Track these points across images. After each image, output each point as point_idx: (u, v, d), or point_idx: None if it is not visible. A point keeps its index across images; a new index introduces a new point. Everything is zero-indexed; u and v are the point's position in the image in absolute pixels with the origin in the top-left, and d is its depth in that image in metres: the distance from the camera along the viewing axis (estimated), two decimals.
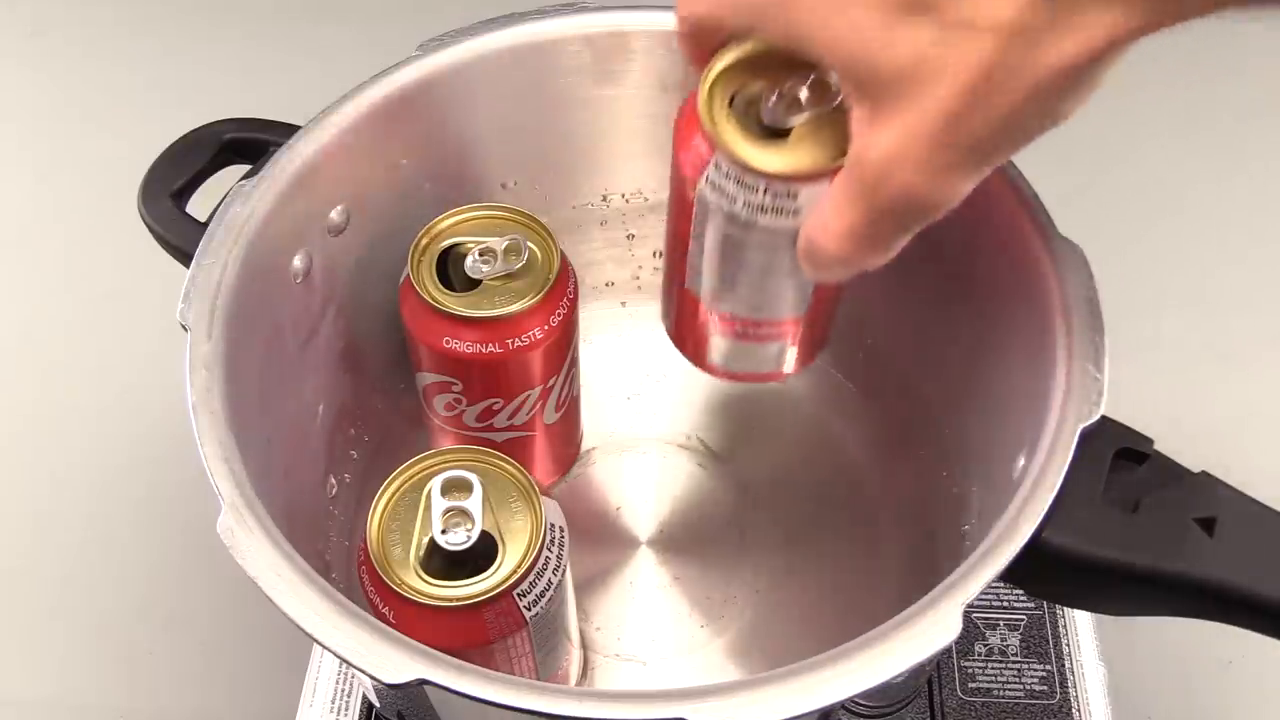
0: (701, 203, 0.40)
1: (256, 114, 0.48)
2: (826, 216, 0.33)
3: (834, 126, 0.36)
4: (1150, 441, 0.38)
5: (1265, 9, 0.26)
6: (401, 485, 0.41)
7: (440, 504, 0.39)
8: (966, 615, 0.33)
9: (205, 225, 0.43)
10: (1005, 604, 0.51)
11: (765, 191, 0.38)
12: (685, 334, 0.47)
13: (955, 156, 0.29)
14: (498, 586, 0.38)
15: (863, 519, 0.54)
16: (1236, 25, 0.27)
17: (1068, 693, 0.49)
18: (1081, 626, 0.50)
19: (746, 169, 0.38)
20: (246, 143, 0.47)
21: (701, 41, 0.37)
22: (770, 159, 0.38)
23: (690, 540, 0.53)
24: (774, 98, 0.37)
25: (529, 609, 0.39)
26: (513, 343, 0.45)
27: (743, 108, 0.39)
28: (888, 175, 0.30)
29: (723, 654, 0.50)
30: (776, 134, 0.38)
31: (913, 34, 0.28)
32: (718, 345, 0.46)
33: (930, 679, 0.49)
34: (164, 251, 0.46)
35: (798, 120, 0.37)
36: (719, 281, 0.43)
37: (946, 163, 0.29)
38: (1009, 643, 0.50)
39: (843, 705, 0.33)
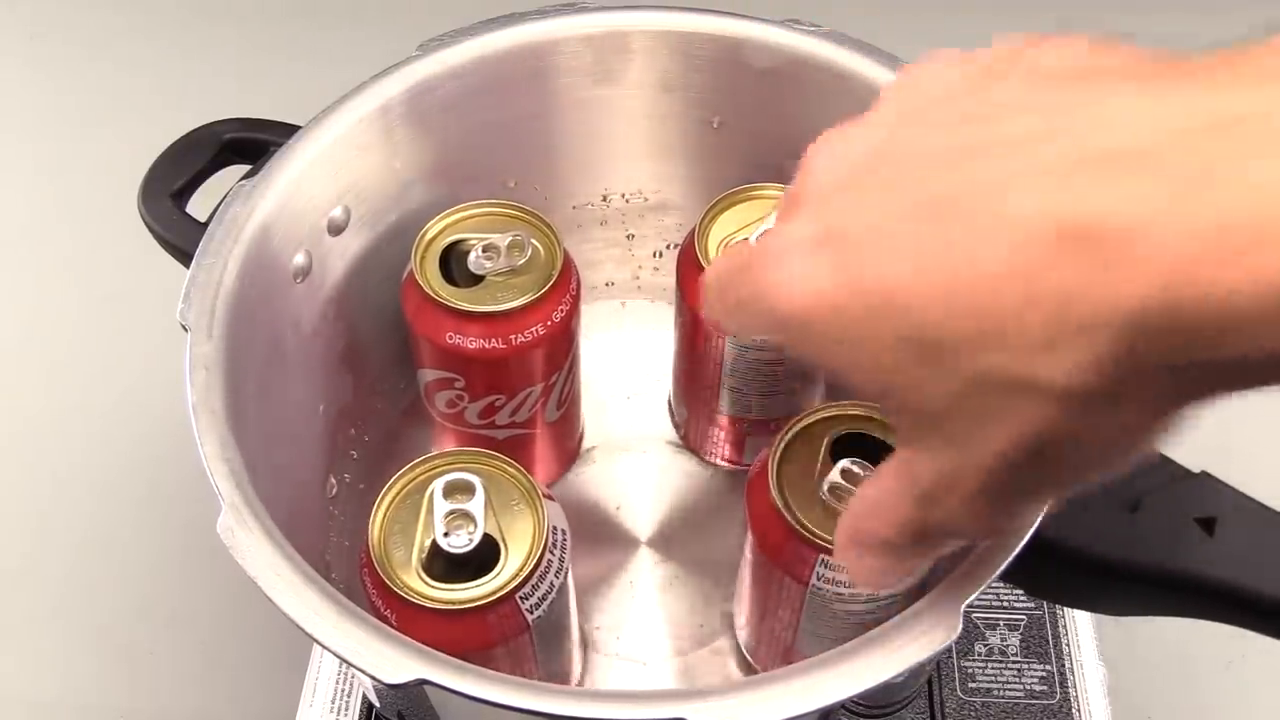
0: (733, 348, 0.47)
1: (256, 114, 0.48)
2: (881, 508, 0.30)
3: None
4: None
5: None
6: (403, 487, 0.41)
7: (442, 506, 0.39)
8: (966, 615, 0.33)
9: (205, 225, 0.43)
10: (1005, 604, 0.51)
11: None
12: (715, 445, 0.54)
13: (1000, 502, 0.27)
14: (500, 590, 0.38)
15: None
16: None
17: (1068, 693, 0.49)
18: (1081, 626, 0.50)
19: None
20: (246, 143, 0.47)
21: None
22: None
23: (690, 540, 0.53)
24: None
25: (531, 612, 0.38)
26: (516, 338, 0.45)
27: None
28: (935, 500, 0.28)
29: (722, 654, 0.50)
30: None
31: (943, 384, 0.25)
32: (754, 447, 0.52)
33: (930, 679, 0.49)
34: (164, 251, 0.46)
35: None
36: (756, 399, 0.49)
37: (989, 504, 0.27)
38: (1009, 643, 0.50)
39: (843, 705, 0.33)
